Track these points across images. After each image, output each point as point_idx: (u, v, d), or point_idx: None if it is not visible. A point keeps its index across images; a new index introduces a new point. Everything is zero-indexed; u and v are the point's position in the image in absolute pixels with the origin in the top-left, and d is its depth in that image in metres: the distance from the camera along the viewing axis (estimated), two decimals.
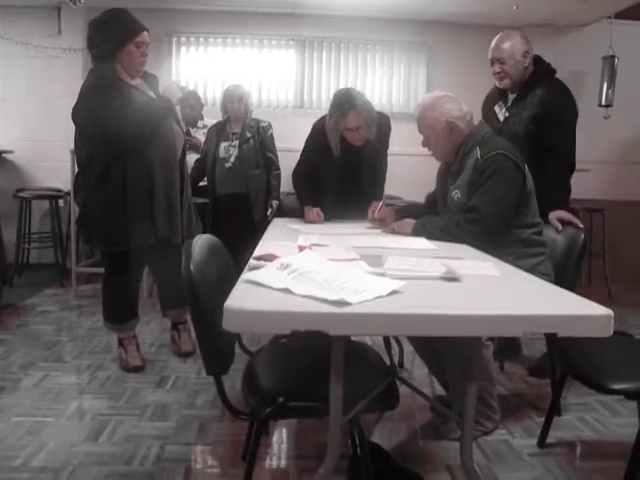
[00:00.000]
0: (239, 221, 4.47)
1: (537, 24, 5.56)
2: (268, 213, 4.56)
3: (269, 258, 1.66)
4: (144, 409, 2.70)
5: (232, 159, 4.49)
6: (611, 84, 5.47)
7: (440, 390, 2.69)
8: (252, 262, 1.67)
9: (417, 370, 3.18)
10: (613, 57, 5.43)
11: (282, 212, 4.45)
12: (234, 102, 4.50)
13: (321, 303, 1.24)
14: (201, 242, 1.69)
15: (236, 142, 4.51)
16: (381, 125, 3.22)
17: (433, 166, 2.84)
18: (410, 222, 2.60)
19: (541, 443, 2.42)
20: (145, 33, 2.98)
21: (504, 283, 1.65)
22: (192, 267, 1.49)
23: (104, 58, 2.93)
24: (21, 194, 5.32)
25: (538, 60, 3.08)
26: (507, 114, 3.09)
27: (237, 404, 1.67)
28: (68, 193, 4.95)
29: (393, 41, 6.02)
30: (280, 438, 2.49)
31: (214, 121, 4.80)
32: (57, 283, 5.17)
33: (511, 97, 3.11)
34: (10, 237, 5.02)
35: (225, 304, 1.21)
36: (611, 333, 1.24)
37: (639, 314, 4.54)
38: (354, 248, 2.01)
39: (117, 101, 2.85)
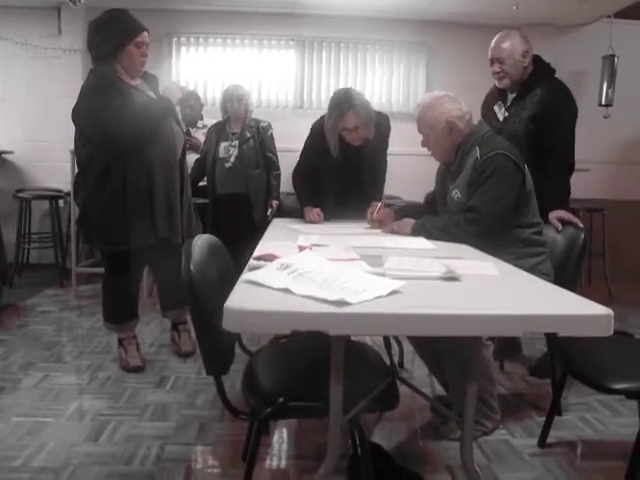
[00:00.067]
0: (239, 221, 4.47)
1: (537, 24, 5.56)
2: (268, 213, 4.56)
3: (269, 258, 1.66)
4: (144, 409, 2.70)
5: (232, 159, 4.49)
6: (611, 83, 5.47)
7: (440, 390, 2.69)
8: (252, 262, 1.67)
9: (417, 370, 3.17)
10: (613, 56, 5.42)
11: (282, 212, 4.45)
12: (234, 102, 4.50)
13: (321, 303, 1.24)
14: (201, 242, 1.69)
15: (236, 142, 4.51)
16: (380, 125, 3.22)
17: (433, 166, 2.84)
18: (409, 222, 2.60)
19: (542, 443, 2.42)
20: (145, 33, 2.98)
21: (504, 283, 1.65)
22: (192, 267, 1.49)
23: (104, 58, 2.93)
24: (21, 194, 5.32)
25: (538, 60, 3.08)
26: (507, 114, 3.09)
27: (237, 404, 1.67)
28: (68, 193, 4.96)
29: (393, 41, 6.01)
30: (280, 438, 2.49)
31: (214, 121, 4.79)
32: (57, 283, 5.17)
33: (510, 97, 3.11)
34: (10, 237, 5.02)
35: (225, 304, 1.21)
36: (611, 333, 1.24)
37: (639, 314, 4.54)
38: (354, 248, 2.01)
39: (117, 101, 2.85)
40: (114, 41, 2.90)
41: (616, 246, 5.56)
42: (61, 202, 5.50)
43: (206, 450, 2.37)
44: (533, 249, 2.45)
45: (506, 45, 3.00)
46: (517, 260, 2.18)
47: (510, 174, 2.38)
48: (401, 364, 3.29)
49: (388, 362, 2.29)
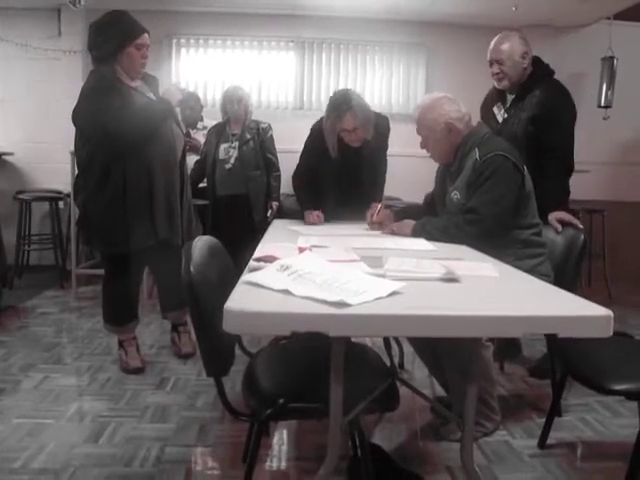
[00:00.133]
0: (239, 222, 4.47)
1: (536, 25, 5.57)
2: (268, 214, 4.56)
3: (269, 259, 1.66)
4: (144, 411, 2.70)
5: (232, 160, 4.49)
6: (610, 85, 5.47)
7: (440, 391, 2.69)
8: (252, 263, 1.67)
9: (417, 371, 3.17)
10: (612, 58, 5.43)
11: (282, 213, 4.45)
12: (234, 103, 4.51)
13: (321, 304, 1.24)
14: (201, 244, 1.70)
15: (236, 143, 4.51)
16: (380, 126, 3.23)
17: (432, 167, 2.84)
18: (409, 223, 2.61)
19: (542, 444, 2.42)
20: (145, 35, 2.98)
21: (503, 284, 1.65)
22: (192, 269, 1.49)
23: (104, 60, 2.93)
24: (21, 196, 5.32)
25: (537, 61, 3.08)
26: (506, 115, 3.09)
27: (237, 405, 1.67)
28: (68, 195, 4.96)
29: (392, 42, 6.02)
30: (280, 439, 2.49)
31: (214, 122, 4.80)
32: (57, 285, 5.17)
33: (510, 98, 3.11)
34: (10, 239, 5.03)
35: (225, 305, 1.21)
36: (611, 334, 1.24)
37: (639, 315, 4.55)
38: (354, 249, 2.01)
39: (117, 103, 2.85)
40: (114, 42, 2.91)
41: (616, 247, 5.56)
42: (61, 203, 5.51)
43: (206, 451, 2.37)
44: (532, 250, 2.45)
45: (505, 46, 3.01)
46: (517, 261, 2.18)
47: (509, 175, 2.38)
48: (401, 365, 3.29)
49: (388, 363, 2.29)
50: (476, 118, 2.79)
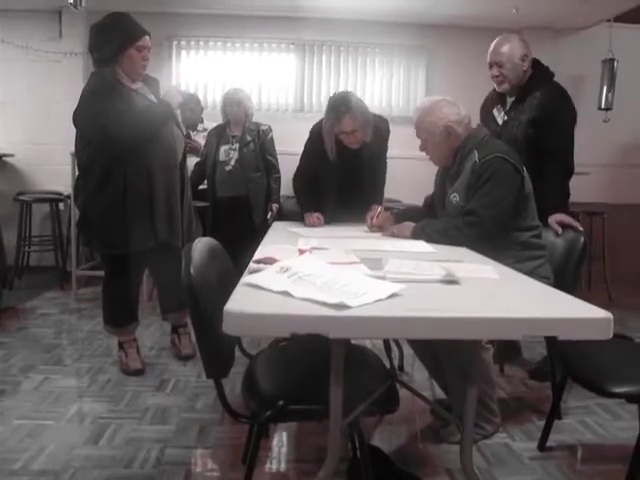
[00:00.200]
0: (239, 224, 4.47)
1: (537, 27, 5.57)
2: (268, 216, 4.56)
3: (269, 261, 1.66)
4: (144, 412, 2.70)
5: (232, 162, 4.50)
6: (611, 87, 5.47)
7: (440, 393, 2.69)
8: (252, 265, 1.67)
9: (417, 373, 3.17)
10: (613, 60, 5.44)
11: (282, 215, 4.45)
12: (233, 106, 4.51)
13: (321, 306, 1.25)
14: (201, 245, 1.70)
15: (236, 145, 4.51)
16: (380, 128, 3.23)
17: (432, 169, 2.84)
18: (409, 225, 2.61)
19: (541, 446, 2.42)
20: (146, 37, 2.98)
21: (503, 286, 1.65)
22: (192, 270, 1.49)
23: (106, 62, 2.94)
24: (21, 197, 5.33)
25: (537, 63, 3.08)
26: (506, 118, 3.09)
27: (237, 407, 1.67)
28: (68, 196, 4.97)
29: (392, 44, 6.02)
30: (280, 441, 2.49)
31: (214, 124, 4.80)
32: (57, 286, 5.17)
33: (510, 100, 3.11)
34: (10, 240, 5.03)
35: (225, 307, 1.21)
36: (611, 336, 1.24)
37: (639, 317, 4.54)
38: (354, 251, 2.01)
39: (118, 105, 2.85)
40: (115, 44, 2.91)
41: (616, 250, 5.57)
42: (61, 205, 5.51)
43: (206, 453, 2.37)
44: (532, 252, 2.45)
45: (505, 49, 3.01)
46: (516, 263, 2.18)
47: (509, 177, 2.38)
48: (401, 367, 3.29)
49: (388, 365, 2.29)
50: (476, 120, 2.79)
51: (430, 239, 2.44)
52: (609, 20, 5.51)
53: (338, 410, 1.44)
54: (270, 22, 5.82)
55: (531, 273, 2.05)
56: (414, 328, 1.27)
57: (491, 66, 3.07)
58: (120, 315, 3.25)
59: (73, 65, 5.62)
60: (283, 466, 2.31)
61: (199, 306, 1.48)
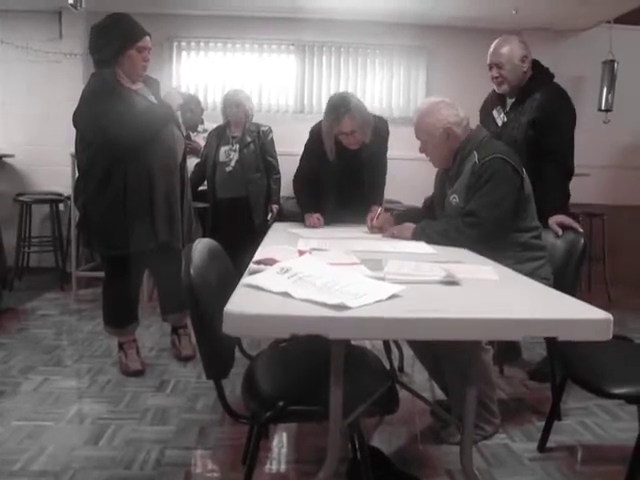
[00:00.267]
0: (239, 225, 4.47)
1: (537, 28, 5.57)
2: (268, 217, 4.57)
3: (269, 262, 1.66)
4: (144, 413, 2.70)
5: (232, 163, 4.50)
6: (611, 89, 5.48)
7: (440, 394, 2.69)
8: (252, 266, 1.67)
9: (417, 374, 3.17)
10: (613, 62, 5.44)
11: (282, 216, 4.46)
12: (233, 107, 4.52)
13: (321, 307, 1.25)
14: (201, 246, 1.70)
15: (236, 146, 4.52)
16: (379, 129, 3.23)
17: (433, 170, 2.84)
18: (410, 226, 2.61)
19: (541, 447, 2.42)
20: (147, 38, 2.98)
21: (503, 287, 1.65)
22: (192, 271, 1.49)
23: (106, 63, 2.94)
24: (21, 198, 5.33)
25: (536, 65, 3.08)
26: (505, 119, 3.09)
27: (237, 408, 1.67)
28: (68, 197, 4.97)
29: (393, 45, 6.02)
30: (280, 442, 2.49)
31: (214, 125, 4.80)
32: (57, 287, 5.17)
33: (509, 102, 3.11)
34: (10, 241, 5.03)
35: (225, 308, 1.21)
36: (610, 337, 1.25)
37: (639, 318, 4.55)
38: (354, 252, 2.01)
39: (118, 106, 2.85)
40: (116, 45, 2.91)
41: (616, 251, 5.57)
42: (61, 206, 5.52)
43: (206, 454, 2.36)
44: (532, 253, 2.45)
45: (505, 50, 3.01)
46: (516, 264, 2.18)
47: (508, 178, 2.38)
48: (401, 368, 3.28)
49: (388, 366, 2.29)
50: (475, 122, 2.79)
51: (430, 240, 2.45)
52: (609, 21, 5.51)
53: (338, 411, 1.44)
54: (270, 23, 5.82)
55: (531, 274, 2.05)
56: (414, 329, 1.27)
57: (491, 67, 3.07)
58: (120, 316, 3.25)
59: (73, 66, 5.62)
60: (283, 467, 2.31)
61: (199, 307, 1.48)
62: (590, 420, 2.72)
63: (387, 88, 6.12)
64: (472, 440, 1.66)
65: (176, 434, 2.50)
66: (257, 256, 1.80)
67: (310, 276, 1.48)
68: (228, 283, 1.63)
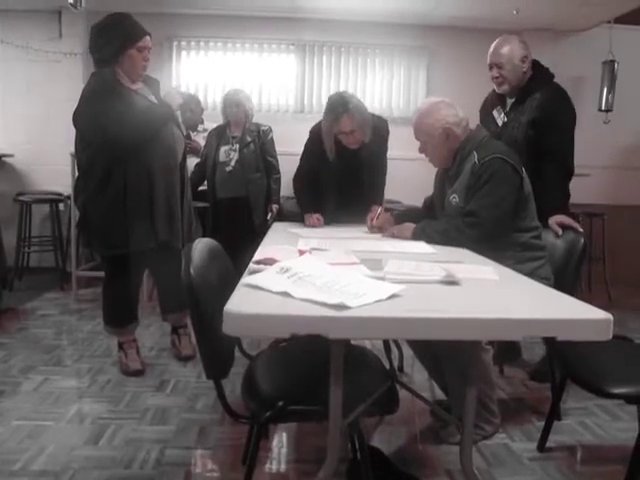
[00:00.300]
0: (239, 225, 4.47)
1: (537, 28, 5.57)
2: (268, 217, 4.56)
3: (269, 262, 1.66)
4: (144, 413, 2.70)
5: (232, 163, 4.50)
6: (611, 89, 5.48)
7: (440, 394, 2.69)
8: (252, 266, 1.67)
9: (417, 374, 3.17)
10: (613, 62, 5.44)
11: (282, 216, 4.46)
12: (233, 106, 4.51)
13: (320, 307, 1.25)
14: (201, 246, 1.70)
15: (236, 146, 4.51)
16: (379, 128, 3.24)
17: (433, 170, 2.83)
18: (410, 226, 2.61)
19: (541, 447, 2.42)
20: (147, 38, 2.98)
21: (503, 287, 1.65)
22: (192, 271, 1.49)
23: (106, 62, 2.94)
24: (21, 198, 5.32)
25: (536, 65, 3.08)
26: (505, 119, 3.09)
27: (237, 408, 1.67)
28: (68, 197, 4.97)
29: (393, 45, 6.02)
30: (280, 442, 2.49)
31: (214, 125, 4.80)
32: (57, 287, 5.17)
33: (509, 102, 3.11)
34: (10, 241, 5.03)
35: (225, 308, 1.21)
36: (610, 337, 1.25)
37: (639, 318, 4.55)
38: (354, 252, 2.01)
39: (118, 106, 2.85)
40: (116, 45, 2.91)
41: (616, 251, 5.57)
42: (61, 205, 5.52)
43: (206, 454, 2.36)
44: (532, 253, 2.45)
45: (505, 50, 3.01)
46: (516, 264, 2.18)
47: (508, 178, 2.38)
48: (401, 368, 3.29)
49: (388, 366, 2.29)
50: (476, 122, 2.79)
51: (430, 240, 2.45)
52: (609, 21, 5.52)
53: (338, 411, 1.44)
54: (270, 23, 5.82)
55: (531, 274, 2.05)
56: (414, 329, 1.27)
57: (491, 67, 3.07)
58: (120, 315, 3.25)
59: (73, 65, 5.62)
60: (283, 467, 2.31)
61: (199, 307, 1.48)
62: (590, 420, 2.72)
63: (387, 88, 6.12)
64: (472, 440, 1.66)
65: (176, 434, 2.50)
66: (257, 256, 1.80)
67: (310, 276, 1.48)
68: (228, 283, 1.63)
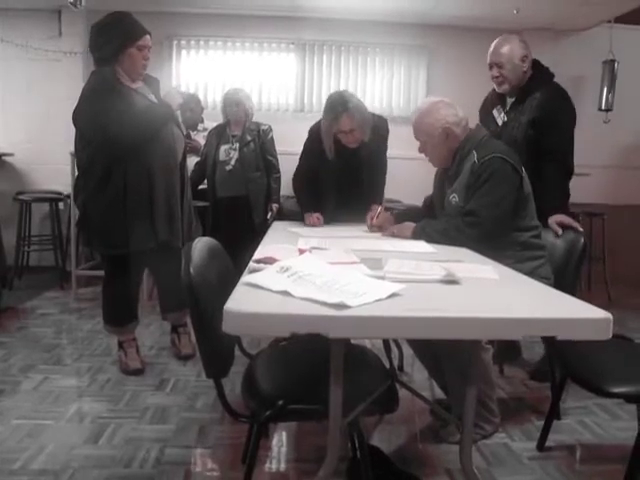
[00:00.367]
0: (239, 224, 4.47)
1: (537, 28, 5.57)
2: (268, 216, 4.56)
3: (269, 261, 1.66)
4: (144, 412, 2.70)
5: (232, 162, 4.49)
6: (611, 88, 5.48)
7: (440, 393, 2.69)
8: (252, 265, 1.67)
9: (417, 373, 3.17)
10: (613, 61, 5.44)
11: (282, 215, 4.46)
12: (233, 106, 4.51)
13: (320, 306, 1.25)
14: (201, 245, 1.70)
15: (236, 145, 4.51)
16: (378, 127, 3.24)
17: (433, 170, 2.83)
18: (410, 225, 2.61)
19: (540, 446, 2.42)
20: (147, 37, 2.98)
21: (503, 286, 1.65)
22: (192, 270, 1.49)
23: (106, 61, 2.94)
24: (21, 197, 5.32)
25: (537, 64, 3.08)
26: (505, 118, 3.09)
27: (237, 407, 1.67)
28: (68, 196, 4.96)
29: (393, 44, 6.02)
30: (280, 441, 2.49)
31: (214, 124, 4.80)
32: (57, 286, 5.17)
33: (509, 101, 3.11)
34: (10, 240, 5.03)
35: (225, 307, 1.21)
36: (610, 336, 1.25)
37: (638, 318, 4.55)
38: (354, 251, 2.01)
39: (118, 105, 2.85)
40: (116, 43, 2.91)
41: (616, 250, 5.57)
42: (61, 205, 5.51)
43: (206, 453, 2.36)
44: (532, 252, 2.45)
45: (505, 50, 3.01)
46: (516, 264, 2.18)
47: (508, 177, 2.38)
48: (401, 367, 3.29)
49: (387, 365, 2.29)
50: (475, 121, 2.79)
51: (430, 239, 2.45)
52: (610, 21, 5.52)
53: (338, 410, 1.44)
54: (270, 22, 5.82)
55: (531, 273, 2.05)
56: (414, 328, 1.27)
57: (491, 67, 3.07)
58: (120, 314, 3.25)
59: (73, 64, 5.61)
60: (283, 466, 2.31)
61: (199, 306, 1.48)
62: (589, 419, 2.72)
63: (387, 87, 6.12)
64: (472, 439, 1.66)
65: (176, 433, 2.50)
66: (257, 255, 1.80)
67: (310, 275, 1.48)
68: (228, 282, 1.63)
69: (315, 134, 3.26)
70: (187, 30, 5.90)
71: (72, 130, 3.05)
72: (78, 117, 2.94)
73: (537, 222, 2.54)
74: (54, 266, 5.49)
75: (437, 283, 1.58)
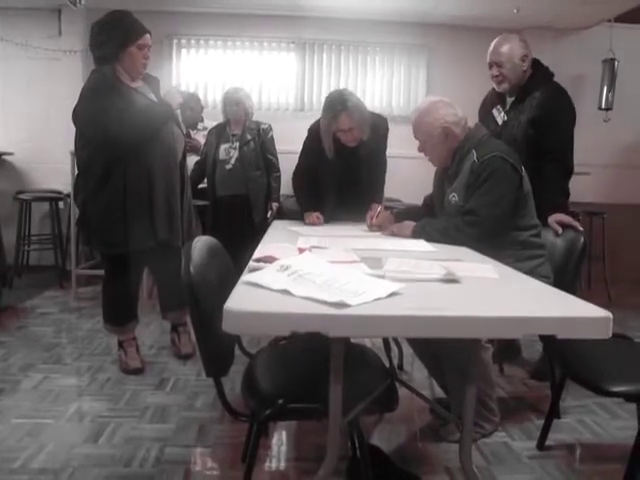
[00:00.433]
0: (239, 223, 4.48)
1: (537, 27, 5.57)
2: (268, 215, 4.56)
3: (269, 260, 1.66)
4: (144, 411, 2.70)
5: (232, 161, 4.50)
6: (611, 87, 5.48)
7: (440, 392, 2.69)
8: (252, 264, 1.67)
9: (417, 372, 3.18)
10: (613, 60, 5.44)
11: (282, 214, 4.44)
12: (233, 105, 4.52)
13: (320, 305, 1.25)
14: (201, 244, 1.70)
15: (236, 144, 4.51)
16: (378, 126, 3.23)
17: (433, 169, 2.83)
18: (410, 224, 2.61)
19: (540, 445, 2.42)
20: (147, 36, 2.98)
21: (503, 285, 1.65)
22: (192, 269, 1.49)
23: (106, 60, 2.93)
24: (21, 196, 5.32)
25: (536, 63, 3.08)
26: (505, 118, 3.09)
27: (237, 406, 1.67)
28: (68, 195, 4.96)
29: (393, 43, 6.02)
30: (280, 440, 2.49)
31: (214, 123, 4.80)
32: (57, 285, 5.17)
33: (509, 100, 3.11)
34: (10, 239, 5.03)
35: (225, 306, 1.21)
36: (610, 335, 1.25)
37: (638, 317, 4.55)
38: (354, 250, 2.01)
39: (118, 104, 2.85)
40: (116, 42, 2.90)
41: (615, 249, 5.56)
42: (61, 204, 5.51)
43: (206, 452, 2.36)
44: (532, 251, 2.45)
45: (505, 49, 3.01)
46: (516, 262, 2.18)
47: (508, 176, 2.38)
48: (400, 366, 3.29)
49: (387, 364, 2.29)
50: (475, 120, 2.79)
51: (430, 238, 2.44)
52: (610, 20, 5.52)
53: (338, 409, 1.44)
54: (270, 21, 5.82)
55: (531, 272, 2.04)
56: (414, 327, 1.27)
57: (491, 66, 3.07)
58: (120, 314, 3.25)
59: (73, 63, 5.61)
60: (283, 465, 2.31)
61: (199, 305, 1.48)
62: (589, 418, 2.73)
63: (387, 86, 6.12)
64: (471, 438, 1.66)
65: (176, 432, 2.50)
66: (257, 254, 1.80)
67: (310, 274, 1.48)
68: (228, 281, 1.63)
69: (314, 133, 3.26)
70: (187, 29, 5.90)
71: (72, 129, 3.05)
72: (78, 116, 2.94)
73: (537, 221, 2.54)
74: (54, 265, 5.50)
75: (437, 282, 1.58)
